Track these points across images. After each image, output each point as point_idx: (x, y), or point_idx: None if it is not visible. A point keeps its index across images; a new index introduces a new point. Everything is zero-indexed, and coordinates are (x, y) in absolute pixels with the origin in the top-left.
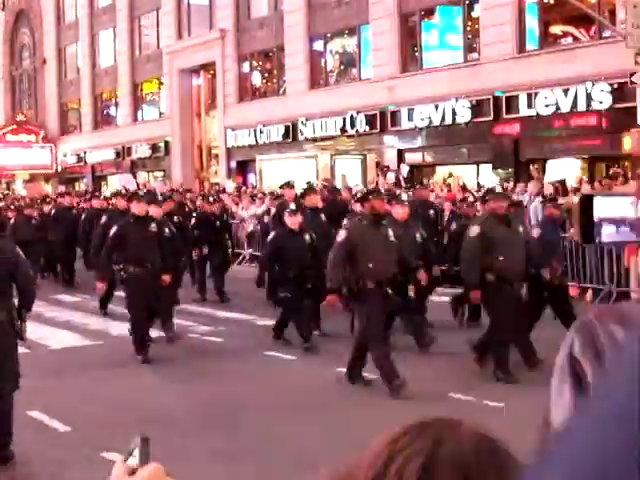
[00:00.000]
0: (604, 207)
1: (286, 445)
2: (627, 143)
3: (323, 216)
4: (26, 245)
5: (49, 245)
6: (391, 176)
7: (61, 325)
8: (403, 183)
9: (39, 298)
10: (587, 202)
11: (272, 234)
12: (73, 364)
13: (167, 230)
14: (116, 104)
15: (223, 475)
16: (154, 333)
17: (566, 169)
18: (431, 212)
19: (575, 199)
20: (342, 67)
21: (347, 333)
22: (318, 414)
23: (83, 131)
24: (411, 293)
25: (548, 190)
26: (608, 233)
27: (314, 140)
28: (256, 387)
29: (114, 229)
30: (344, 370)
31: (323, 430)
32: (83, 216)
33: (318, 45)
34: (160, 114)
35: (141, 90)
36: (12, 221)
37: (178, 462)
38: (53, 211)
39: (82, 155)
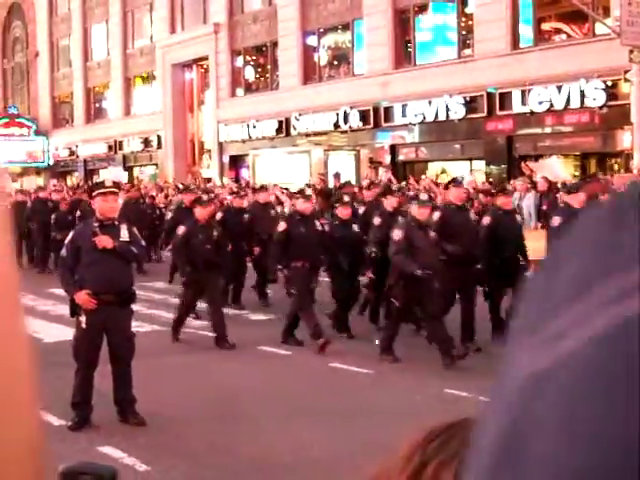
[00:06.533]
0: None
1: (281, 439)
2: (626, 139)
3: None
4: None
5: None
6: (382, 171)
7: (54, 319)
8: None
9: (32, 292)
10: None
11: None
12: (67, 358)
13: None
14: (108, 98)
15: (220, 468)
16: (145, 327)
17: (558, 166)
18: None
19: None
20: (335, 62)
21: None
22: (314, 408)
23: (75, 125)
24: None
25: (542, 187)
26: None
27: (307, 135)
28: (251, 381)
29: None
30: (338, 365)
31: (318, 423)
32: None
33: (312, 40)
34: (153, 108)
35: (134, 84)
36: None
37: (175, 455)
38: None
39: (74, 149)
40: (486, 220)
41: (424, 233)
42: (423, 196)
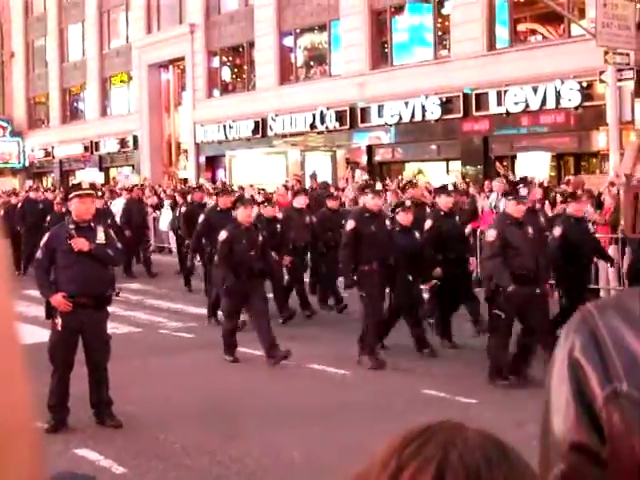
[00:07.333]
0: None
1: (259, 440)
2: (602, 140)
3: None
4: None
5: None
6: (359, 173)
7: (29, 320)
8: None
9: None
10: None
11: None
12: (43, 360)
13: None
14: (84, 98)
15: (197, 470)
16: (122, 329)
17: (534, 166)
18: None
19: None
20: (312, 63)
21: (323, 335)
22: (292, 409)
23: (51, 125)
24: None
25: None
26: None
27: (283, 136)
28: (229, 383)
29: None
30: (315, 366)
31: (296, 425)
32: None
33: (288, 41)
34: (129, 109)
35: (110, 84)
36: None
37: (152, 458)
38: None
39: (50, 150)
40: (557, 231)
41: (522, 232)
42: (523, 191)
